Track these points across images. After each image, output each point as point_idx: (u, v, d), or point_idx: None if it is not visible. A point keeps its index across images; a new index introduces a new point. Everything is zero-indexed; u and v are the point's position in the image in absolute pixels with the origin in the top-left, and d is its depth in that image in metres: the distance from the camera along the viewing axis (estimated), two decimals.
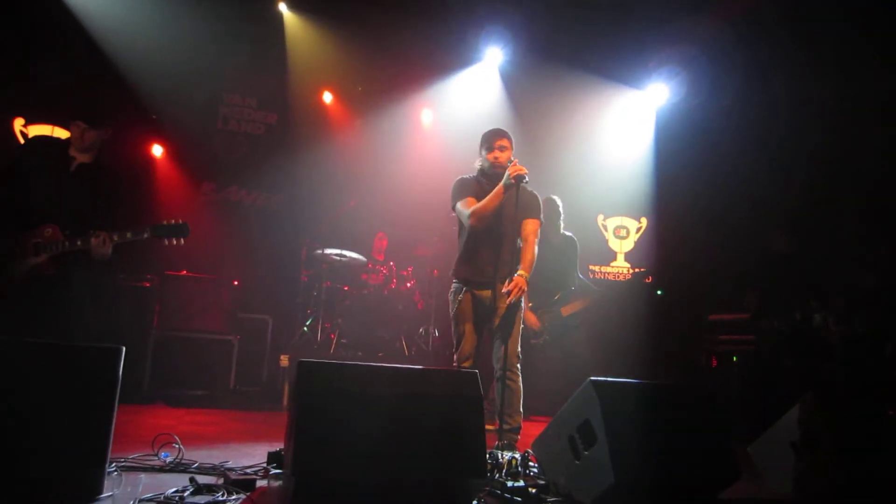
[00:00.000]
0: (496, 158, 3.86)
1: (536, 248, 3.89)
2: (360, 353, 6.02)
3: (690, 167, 7.13)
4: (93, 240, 3.46)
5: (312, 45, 7.24)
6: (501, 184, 3.75)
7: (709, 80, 7.05)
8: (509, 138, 3.94)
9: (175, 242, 3.59)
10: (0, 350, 2.31)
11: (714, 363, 6.39)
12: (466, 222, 3.88)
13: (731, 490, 3.03)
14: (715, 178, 6.89)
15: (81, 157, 3.70)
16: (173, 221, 3.59)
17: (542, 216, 4.01)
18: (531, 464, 3.19)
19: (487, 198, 3.79)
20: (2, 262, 3.43)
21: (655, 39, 6.94)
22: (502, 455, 3.14)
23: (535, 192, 4.01)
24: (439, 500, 2.50)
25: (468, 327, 3.88)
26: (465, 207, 3.86)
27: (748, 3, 6.25)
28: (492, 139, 3.92)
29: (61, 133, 6.60)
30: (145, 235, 3.57)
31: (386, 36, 6.94)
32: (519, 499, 2.74)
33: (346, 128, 7.77)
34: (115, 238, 3.51)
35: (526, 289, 3.73)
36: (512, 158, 3.84)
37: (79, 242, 3.49)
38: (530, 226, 3.92)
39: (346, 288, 6.42)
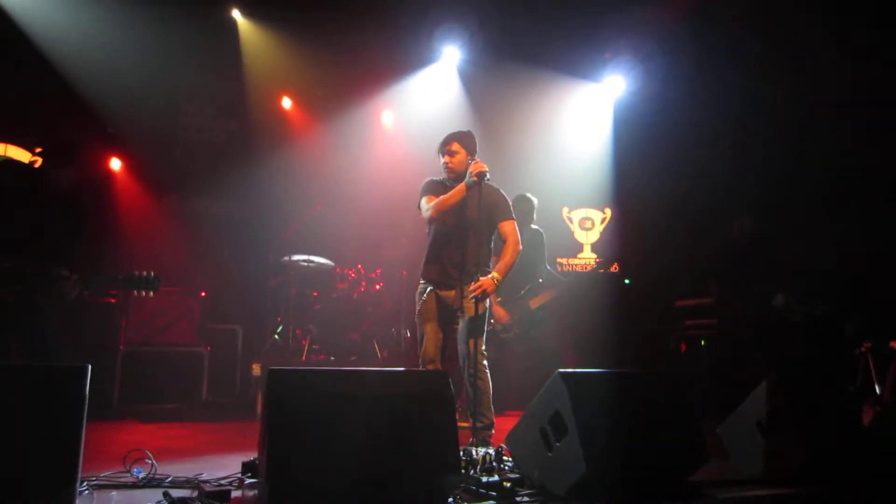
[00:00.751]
0: (447, 164, 3.93)
1: (517, 250, 3.95)
2: (332, 358, 6.02)
3: (650, 156, 7.25)
4: (65, 285, 3.44)
5: (268, 51, 7.19)
6: (464, 182, 3.79)
7: (664, 70, 7.17)
8: (461, 141, 3.96)
9: (144, 294, 3.62)
10: None
11: (683, 348, 6.52)
12: (426, 216, 3.92)
13: (701, 472, 3.11)
14: (674, 165, 7.02)
15: (51, 189, 3.62)
16: (145, 273, 3.62)
17: (513, 214, 4.06)
18: (505, 458, 3.23)
19: (448, 193, 3.86)
20: None
21: (611, 31, 7.05)
22: (476, 451, 3.17)
23: (501, 191, 4.06)
24: (415, 499, 2.52)
25: (430, 327, 3.91)
26: (427, 203, 3.91)
27: None
28: (443, 145, 3.99)
29: (14, 152, 6.46)
30: (118, 285, 3.59)
31: (342, 39, 6.91)
32: (494, 493, 2.77)
33: (308, 132, 7.73)
34: (83, 286, 3.50)
35: (492, 290, 3.77)
36: (473, 158, 3.89)
37: (48, 282, 3.44)
38: (507, 227, 3.98)
39: (315, 293, 6.40)
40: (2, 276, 3.40)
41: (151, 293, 3.65)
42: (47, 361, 3.33)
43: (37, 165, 3.64)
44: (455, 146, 3.94)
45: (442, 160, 3.98)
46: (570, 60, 7.36)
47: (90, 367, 2.43)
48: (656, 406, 3.12)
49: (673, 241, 7.16)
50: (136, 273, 3.61)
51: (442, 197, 3.87)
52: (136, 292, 3.64)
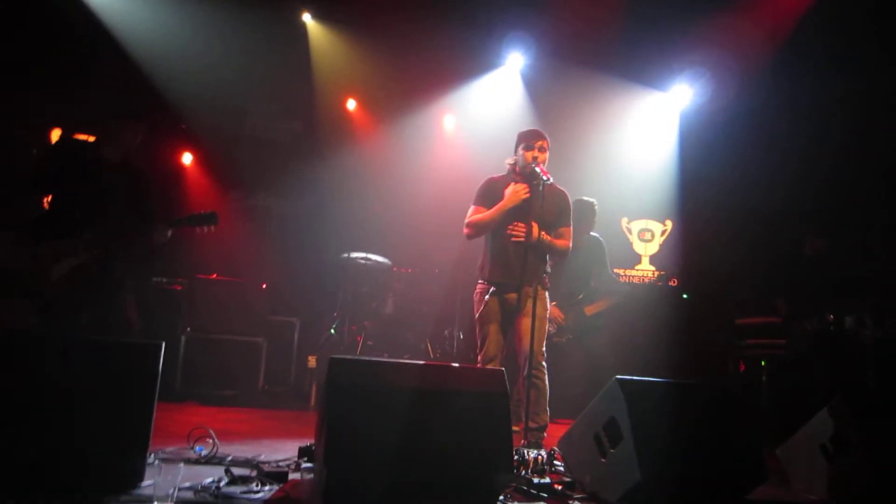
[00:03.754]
0: (535, 158, 3.89)
1: (566, 253, 4.00)
2: (385, 355, 6.09)
3: (715, 168, 7.08)
4: (155, 230, 3.66)
5: (336, 54, 7.36)
6: (509, 202, 3.85)
7: (734, 81, 7.01)
8: (548, 143, 3.98)
9: (207, 230, 3.82)
10: (51, 347, 2.42)
11: (742, 368, 6.33)
12: (464, 230, 3.97)
13: (758, 492, 3.03)
14: (741, 179, 6.84)
15: (112, 159, 3.81)
16: (202, 212, 3.86)
17: (571, 221, 4.09)
18: (556, 462, 3.22)
19: (490, 213, 3.90)
20: (47, 264, 3.55)
21: (679, 40, 6.92)
22: (528, 452, 3.17)
23: (565, 192, 4.05)
24: (467, 494, 2.54)
25: (493, 328, 3.91)
26: (470, 215, 3.96)
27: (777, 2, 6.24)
28: (532, 138, 3.95)
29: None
30: (183, 224, 3.81)
31: (408, 43, 7.02)
32: (545, 495, 2.77)
33: (370, 134, 7.87)
34: (173, 226, 3.75)
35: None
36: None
37: (122, 240, 3.63)
38: (565, 232, 4.02)
39: (371, 291, 6.50)
40: (81, 242, 3.60)
41: (213, 228, 3.85)
42: (120, 329, 3.54)
43: (92, 140, 3.86)
44: (546, 144, 3.94)
45: (525, 152, 3.91)
46: (636, 68, 7.26)
47: (164, 344, 2.54)
48: (715, 420, 3.06)
49: (736, 256, 6.98)
50: (196, 213, 3.87)
51: (481, 216, 3.91)
52: (198, 229, 3.83)
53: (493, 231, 3.96)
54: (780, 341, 5.86)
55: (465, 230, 3.96)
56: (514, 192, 3.87)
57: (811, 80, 6.45)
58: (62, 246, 3.57)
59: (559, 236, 3.98)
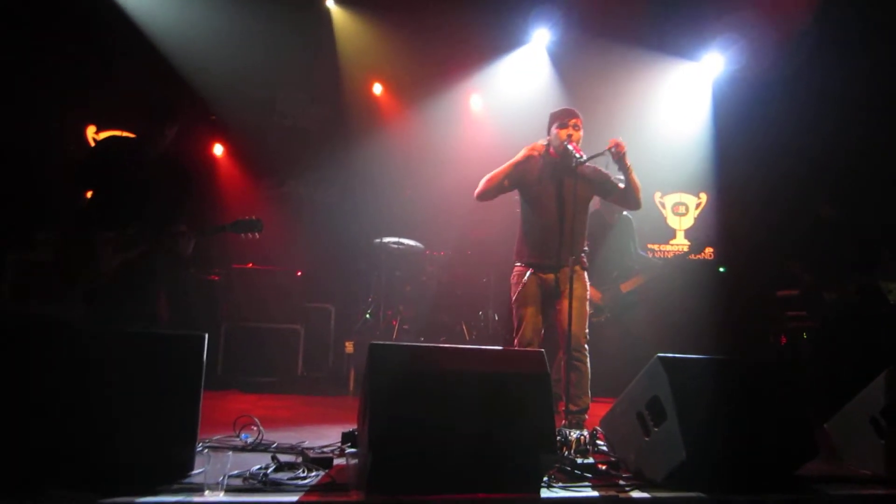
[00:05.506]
0: (569, 136, 3.83)
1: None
2: (421, 339, 6.12)
3: (750, 139, 6.91)
4: (180, 239, 3.69)
5: (360, 38, 7.33)
6: (516, 159, 3.85)
7: (767, 48, 6.79)
8: (582, 121, 3.92)
9: (251, 236, 3.89)
10: (100, 339, 2.48)
11: (783, 341, 6.21)
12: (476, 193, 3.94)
13: (808, 468, 2.98)
14: (776, 149, 6.67)
15: (153, 155, 3.86)
16: (248, 218, 3.89)
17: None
18: (599, 441, 3.20)
19: (500, 169, 3.88)
20: (91, 258, 3.62)
21: (710, 7, 6.73)
22: (570, 433, 3.16)
23: (598, 168, 4.00)
24: (511, 477, 2.54)
25: (531, 311, 3.85)
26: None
27: None
28: (566, 116, 3.90)
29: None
30: (227, 231, 3.85)
31: (431, 24, 6.96)
32: (589, 475, 2.76)
33: (398, 118, 7.85)
34: (198, 235, 3.74)
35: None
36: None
37: (166, 240, 3.68)
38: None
39: (405, 275, 6.52)
40: (126, 240, 3.66)
41: (257, 234, 3.91)
42: (148, 322, 3.62)
43: (133, 137, 3.90)
44: (579, 122, 3.90)
45: (559, 130, 3.87)
46: (666, 38, 7.08)
47: (207, 335, 2.58)
48: (761, 396, 3.01)
49: (773, 228, 6.82)
50: (241, 218, 3.90)
51: (499, 169, 3.89)
52: (243, 235, 3.89)
53: (529, 213, 3.92)
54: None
55: (480, 188, 3.92)
56: (530, 147, 3.86)
57: (846, 47, 6.23)
58: (116, 240, 3.64)
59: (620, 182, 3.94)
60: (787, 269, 5.72)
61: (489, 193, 3.93)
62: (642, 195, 3.99)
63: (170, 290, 4.06)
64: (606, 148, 3.71)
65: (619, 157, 3.72)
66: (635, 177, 3.88)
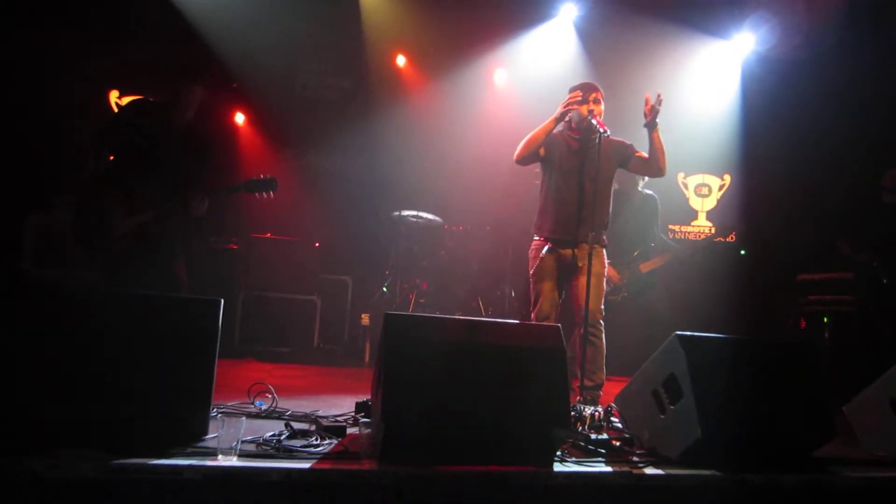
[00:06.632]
0: (591, 111, 3.76)
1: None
2: (437, 312, 6.12)
3: (778, 121, 6.75)
4: (193, 198, 3.67)
5: (385, 9, 7.26)
6: (553, 116, 3.78)
7: (799, 27, 6.61)
8: (602, 94, 3.85)
9: (266, 196, 3.83)
10: (116, 303, 2.49)
11: (803, 324, 6.13)
12: (516, 156, 3.89)
13: (825, 450, 2.94)
14: (805, 132, 6.52)
15: (178, 120, 3.84)
16: (262, 176, 3.85)
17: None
18: (613, 418, 3.18)
19: (538, 129, 3.82)
20: (111, 220, 3.64)
21: None
22: (585, 408, 3.14)
23: (623, 141, 3.94)
24: (524, 450, 2.53)
25: (548, 286, 3.84)
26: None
27: None
28: (586, 91, 3.83)
29: None
30: (240, 189, 3.81)
31: None
32: (603, 451, 2.75)
33: (421, 90, 7.78)
34: (211, 195, 3.72)
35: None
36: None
37: (180, 201, 3.68)
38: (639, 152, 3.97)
39: (423, 249, 6.51)
40: (142, 202, 3.67)
41: (272, 194, 3.85)
42: (168, 287, 3.63)
43: (162, 102, 3.88)
44: (600, 96, 3.85)
45: (581, 107, 3.80)
46: (696, 14, 6.91)
47: (222, 301, 2.58)
48: (779, 376, 2.96)
49: (797, 212, 6.70)
50: (254, 177, 3.85)
51: (536, 129, 3.82)
52: (258, 195, 3.84)
53: (550, 187, 3.87)
54: (846, 297, 5.65)
55: (518, 152, 3.87)
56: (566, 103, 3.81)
57: (878, 28, 6.04)
58: (128, 202, 3.64)
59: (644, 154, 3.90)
60: (837, 250, 5.60)
61: (527, 158, 3.89)
62: (666, 175, 3.93)
63: (189, 256, 4.05)
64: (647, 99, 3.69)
65: (655, 112, 3.68)
66: (661, 138, 3.79)
